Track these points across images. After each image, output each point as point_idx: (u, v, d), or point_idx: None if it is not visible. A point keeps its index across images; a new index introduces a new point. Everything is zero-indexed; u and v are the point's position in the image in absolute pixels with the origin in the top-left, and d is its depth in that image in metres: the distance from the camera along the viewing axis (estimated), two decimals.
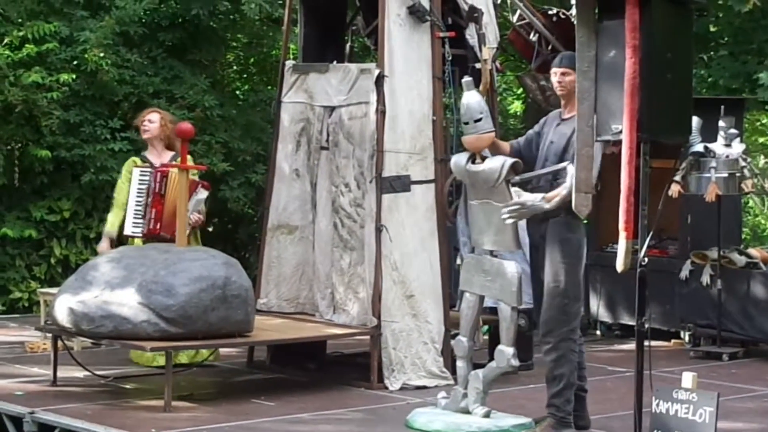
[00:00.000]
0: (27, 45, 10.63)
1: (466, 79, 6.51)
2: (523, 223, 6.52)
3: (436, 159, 7.88)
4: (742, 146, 9.28)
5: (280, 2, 10.70)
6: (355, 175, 7.80)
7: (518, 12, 9.59)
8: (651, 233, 5.64)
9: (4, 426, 6.90)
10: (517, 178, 6.25)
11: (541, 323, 6.36)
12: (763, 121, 17.57)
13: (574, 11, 7.59)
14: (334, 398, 7.37)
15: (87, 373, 7.73)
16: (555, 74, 6.46)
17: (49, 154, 10.82)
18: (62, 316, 7.08)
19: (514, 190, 6.23)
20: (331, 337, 8.13)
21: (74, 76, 10.71)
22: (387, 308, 7.64)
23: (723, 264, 9.38)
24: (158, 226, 7.82)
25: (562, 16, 9.48)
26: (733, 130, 9.18)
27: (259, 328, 7.45)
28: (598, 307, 10.29)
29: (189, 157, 7.71)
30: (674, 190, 8.96)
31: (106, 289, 6.99)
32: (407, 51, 7.82)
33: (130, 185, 7.94)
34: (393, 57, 7.76)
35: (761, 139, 18.05)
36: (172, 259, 7.11)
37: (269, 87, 12.74)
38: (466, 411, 6.41)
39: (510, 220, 6.19)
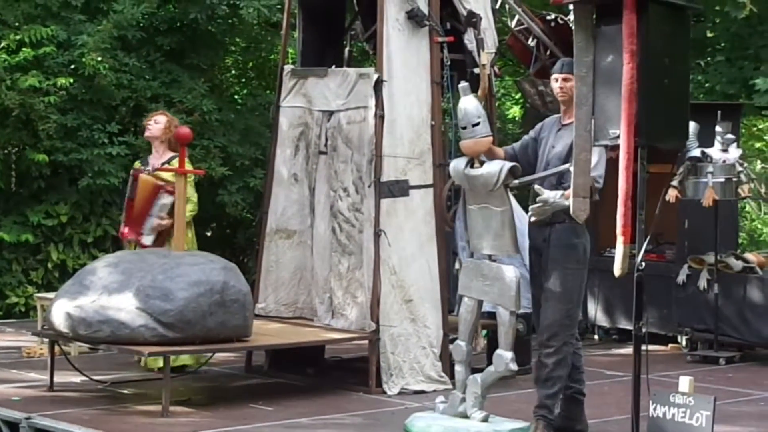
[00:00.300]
0: (24, 49, 10.61)
1: (463, 84, 6.51)
2: (522, 228, 6.53)
3: (434, 163, 7.88)
4: (739, 151, 9.29)
5: (279, 6, 10.68)
6: (354, 180, 7.80)
7: (517, 17, 9.61)
8: (648, 238, 5.64)
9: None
10: (516, 182, 6.25)
11: (544, 327, 6.35)
12: (760, 126, 17.59)
13: (572, 17, 7.61)
14: (332, 403, 7.36)
15: (84, 378, 7.72)
16: (556, 80, 6.45)
17: (46, 159, 10.79)
18: (59, 321, 7.07)
19: (513, 194, 6.24)
20: (329, 342, 8.13)
21: (72, 80, 10.70)
22: (385, 313, 7.64)
23: (720, 268, 9.39)
24: (126, 230, 8.09)
25: (560, 22, 9.51)
26: (729, 135, 9.18)
27: (257, 332, 7.45)
28: (595, 311, 10.29)
29: (187, 161, 7.75)
30: (671, 194, 8.96)
31: (104, 293, 6.98)
32: (406, 56, 7.83)
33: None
34: (392, 62, 7.76)
35: (758, 144, 18.07)
36: (170, 263, 7.10)
37: (268, 91, 12.72)
38: (465, 415, 6.40)
39: (533, 218, 6.21)
